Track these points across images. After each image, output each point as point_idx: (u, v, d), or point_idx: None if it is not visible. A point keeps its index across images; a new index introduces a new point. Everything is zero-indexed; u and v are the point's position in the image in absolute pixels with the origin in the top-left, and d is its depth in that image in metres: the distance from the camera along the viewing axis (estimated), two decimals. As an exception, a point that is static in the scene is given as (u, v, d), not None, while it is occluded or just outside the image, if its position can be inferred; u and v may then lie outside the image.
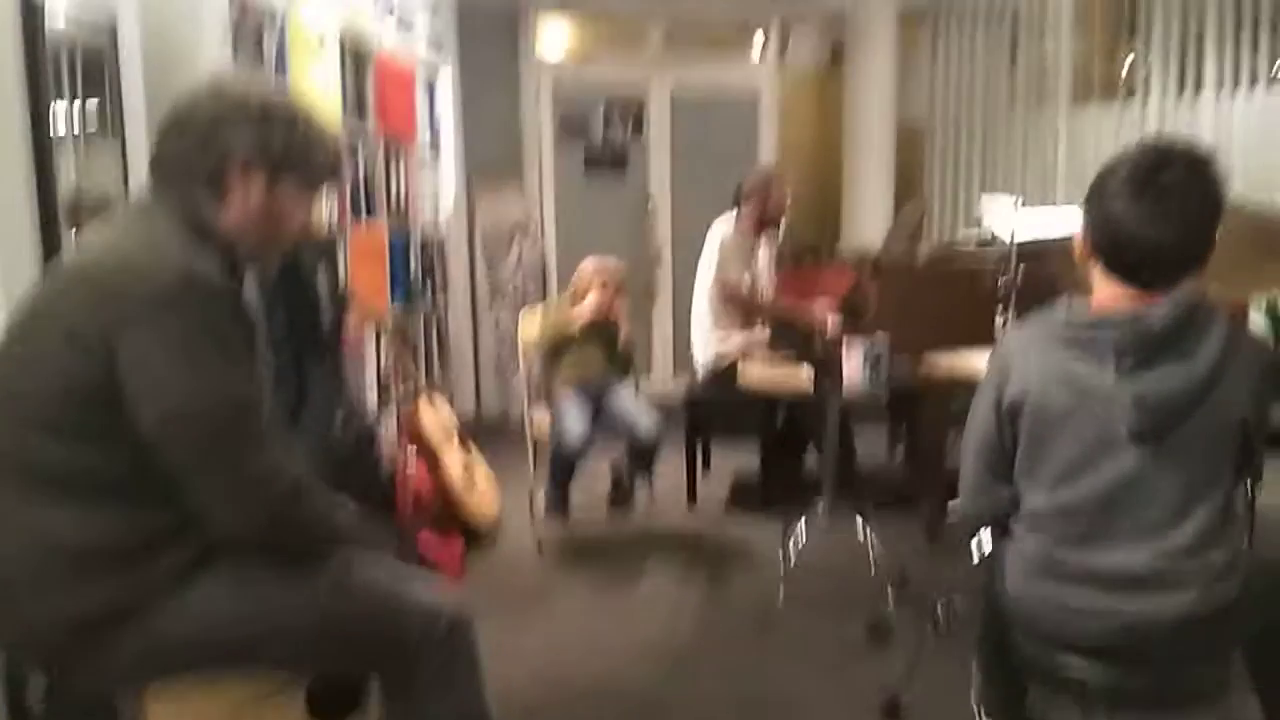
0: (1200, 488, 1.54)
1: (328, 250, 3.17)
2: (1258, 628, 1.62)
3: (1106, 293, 1.60)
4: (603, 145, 6.25)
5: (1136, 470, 1.54)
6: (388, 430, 4.00)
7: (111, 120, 2.60)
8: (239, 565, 1.45)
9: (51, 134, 2.25)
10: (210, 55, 2.91)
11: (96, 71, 2.56)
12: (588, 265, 3.87)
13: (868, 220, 6.30)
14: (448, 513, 3.53)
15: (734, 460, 4.52)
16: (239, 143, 1.47)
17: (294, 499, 1.44)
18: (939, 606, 2.43)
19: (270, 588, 1.47)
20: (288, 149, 1.50)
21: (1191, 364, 1.51)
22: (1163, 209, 1.51)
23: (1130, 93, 5.57)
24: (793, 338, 4.27)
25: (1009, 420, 1.65)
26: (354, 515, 1.65)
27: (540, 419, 3.75)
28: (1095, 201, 1.59)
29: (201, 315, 1.36)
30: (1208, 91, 5.18)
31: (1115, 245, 1.57)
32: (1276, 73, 4.99)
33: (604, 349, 3.78)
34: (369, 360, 3.90)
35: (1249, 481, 2.36)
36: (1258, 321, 4.43)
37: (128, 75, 2.64)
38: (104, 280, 1.38)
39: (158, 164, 1.50)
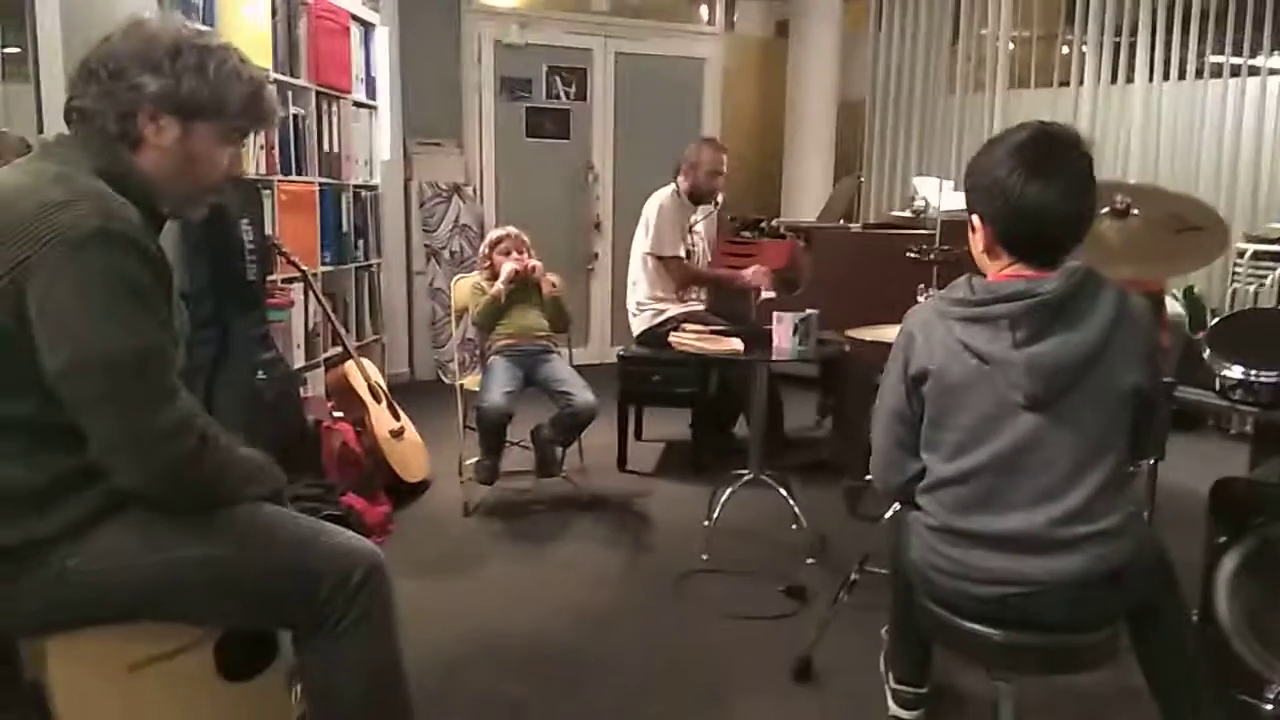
0: (1093, 453, 1.60)
1: (253, 200, 3.09)
2: (1143, 600, 1.69)
3: (1004, 270, 1.66)
4: (545, 110, 6.19)
5: (1032, 436, 1.59)
6: (314, 388, 3.94)
7: (33, 65, 2.50)
8: (149, 513, 1.42)
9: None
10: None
11: (14, 14, 2.45)
12: (490, 238, 3.89)
13: (807, 194, 6.36)
14: (375, 472, 3.50)
15: (666, 429, 4.56)
16: (146, 89, 1.42)
17: (199, 454, 1.40)
18: (853, 572, 2.49)
19: (179, 536, 1.44)
20: (197, 94, 1.45)
21: (1083, 332, 1.57)
22: (1066, 186, 1.58)
23: (1064, 80, 5.69)
24: (729, 304, 4.31)
25: (914, 393, 1.70)
26: (270, 466, 1.63)
27: (470, 382, 3.74)
28: (995, 192, 1.62)
29: (115, 261, 1.33)
30: (1138, 80, 5.32)
31: (1032, 228, 1.61)
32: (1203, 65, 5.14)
33: (534, 306, 3.77)
34: (297, 316, 3.82)
35: (1153, 459, 2.45)
36: (1175, 305, 4.60)
37: (44, 19, 2.53)
38: (14, 223, 1.33)
39: (71, 112, 1.46)
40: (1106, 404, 1.60)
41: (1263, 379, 1.99)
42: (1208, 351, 2.09)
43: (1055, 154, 1.60)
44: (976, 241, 1.71)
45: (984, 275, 1.70)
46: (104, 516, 1.41)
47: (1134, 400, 1.62)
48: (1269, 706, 1.91)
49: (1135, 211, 2.23)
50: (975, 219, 1.69)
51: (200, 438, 1.40)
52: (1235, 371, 2.02)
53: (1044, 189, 1.58)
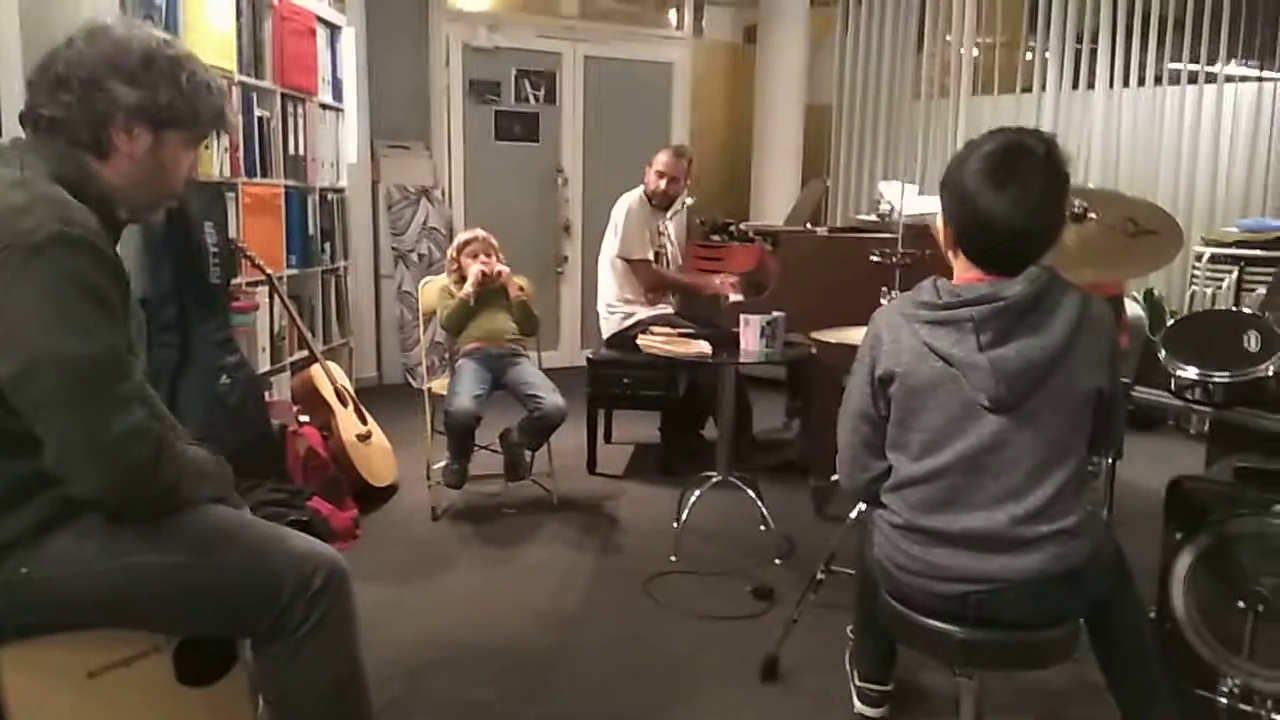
0: (1055, 454, 1.63)
1: (216, 202, 3.06)
2: (1100, 597, 1.72)
3: (968, 274, 1.68)
4: (514, 113, 6.18)
5: (996, 437, 1.62)
6: (280, 392, 3.91)
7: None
8: (108, 519, 1.41)
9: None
10: (93, -2, 2.75)
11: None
12: (459, 241, 3.86)
13: (775, 198, 6.41)
14: (341, 476, 3.47)
15: (635, 431, 4.56)
16: (123, 100, 1.42)
17: (155, 461, 1.38)
18: (819, 572, 2.51)
19: (137, 543, 1.42)
20: (172, 104, 1.46)
21: (1046, 335, 1.60)
22: (1026, 200, 1.60)
23: (1027, 86, 5.77)
24: (698, 307, 4.33)
25: (881, 394, 1.71)
26: (220, 466, 1.61)
27: (438, 386, 3.72)
28: (955, 196, 1.65)
29: (74, 266, 1.31)
30: (1099, 87, 5.41)
31: (981, 238, 1.64)
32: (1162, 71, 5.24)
33: (502, 309, 3.76)
34: (262, 319, 3.79)
35: (1111, 456, 2.50)
36: (1135, 307, 4.67)
37: (2, 22, 2.49)
38: None
39: (33, 118, 1.44)
40: (1069, 406, 1.63)
41: (1216, 379, 2.03)
42: (1163, 353, 2.13)
43: (1017, 168, 1.60)
44: (944, 239, 1.73)
45: (944, 277, 1.72)
46: (60, 522, 1.39)
47: (1095, 401, 1.65)
48: (1223, 700, 1.95)
49: (1092, 216, 2.27)
50: (941, 217, 1.71)
51: (157, 444, 1.39)
52: (1190, 372, 2.06)
53: (996, 201, 1.59)
